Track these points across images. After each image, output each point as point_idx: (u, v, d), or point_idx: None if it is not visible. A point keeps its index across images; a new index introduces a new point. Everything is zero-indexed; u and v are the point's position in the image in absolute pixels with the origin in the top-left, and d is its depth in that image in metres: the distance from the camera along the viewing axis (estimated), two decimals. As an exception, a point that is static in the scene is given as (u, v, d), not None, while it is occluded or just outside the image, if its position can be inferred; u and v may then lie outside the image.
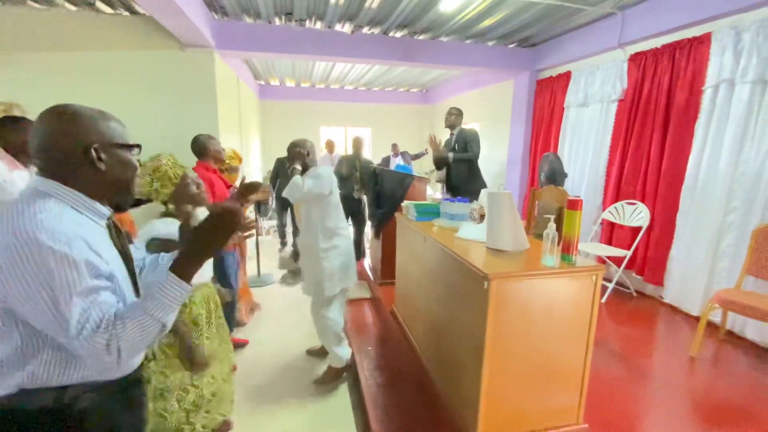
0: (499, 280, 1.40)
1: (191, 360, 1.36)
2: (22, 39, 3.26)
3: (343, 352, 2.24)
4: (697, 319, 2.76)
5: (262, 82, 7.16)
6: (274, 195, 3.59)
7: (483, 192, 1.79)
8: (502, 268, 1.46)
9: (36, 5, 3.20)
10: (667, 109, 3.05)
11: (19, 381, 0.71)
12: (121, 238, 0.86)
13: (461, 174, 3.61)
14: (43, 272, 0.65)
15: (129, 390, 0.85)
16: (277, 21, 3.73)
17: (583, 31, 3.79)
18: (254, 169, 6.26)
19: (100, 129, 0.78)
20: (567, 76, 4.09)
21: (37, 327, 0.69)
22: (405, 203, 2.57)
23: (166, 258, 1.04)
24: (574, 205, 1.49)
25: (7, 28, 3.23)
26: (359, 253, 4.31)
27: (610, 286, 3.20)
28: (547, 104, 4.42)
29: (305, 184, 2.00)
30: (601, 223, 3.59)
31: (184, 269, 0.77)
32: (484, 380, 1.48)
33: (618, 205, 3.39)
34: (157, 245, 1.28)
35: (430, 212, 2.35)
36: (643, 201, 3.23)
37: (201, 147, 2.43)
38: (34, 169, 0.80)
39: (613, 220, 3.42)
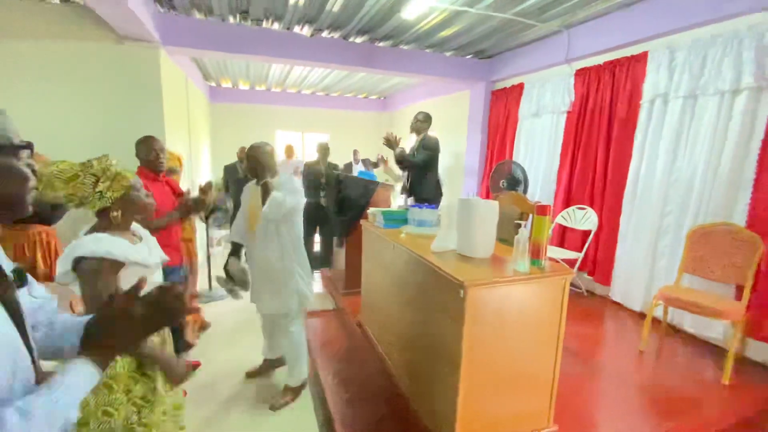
0: (475, 288, 1.37)
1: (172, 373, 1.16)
2: None
3: (302, 373, 2.14)
4: (640, 314, 2.99)
5: (213, 84, 6.76)
6: (231, 204, 3.34)
7: (447, 201, 1.81)
8: (477, 276, 1.44)
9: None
10: (610, 120, 3.31)
11: None
12: (3, 280, 0.62)
13: (414, 178, 3.61)
14: None
15: None
16: (231, 19, 3.52)
17: (534, 46, 4.01)
18: (204, 175, 5.86)
19: None
20: (520, 87, 4.30)
21: None
22: (372, 210, 2.51)
23: (64, 323, 0.81)
24: (543, 210, 1.52)
25: None
26: (329, 262, 4.16)
27: (565, 287, 3.37)
28: (501, 114, 4.62)
29: (286, 201, 1.86)
30: (552, 228, 3.79)
31: (99, 357, 0.63)
32: (461, 390, 1.44)
33: (570, 209, 3.60)
34: (90, 267, 1.08)
35: (398, 219, 2.30)
36: (591, 206, 3.45)
37: (136, 150, 2.16)
38: None
39: (565, 224, 3.62)
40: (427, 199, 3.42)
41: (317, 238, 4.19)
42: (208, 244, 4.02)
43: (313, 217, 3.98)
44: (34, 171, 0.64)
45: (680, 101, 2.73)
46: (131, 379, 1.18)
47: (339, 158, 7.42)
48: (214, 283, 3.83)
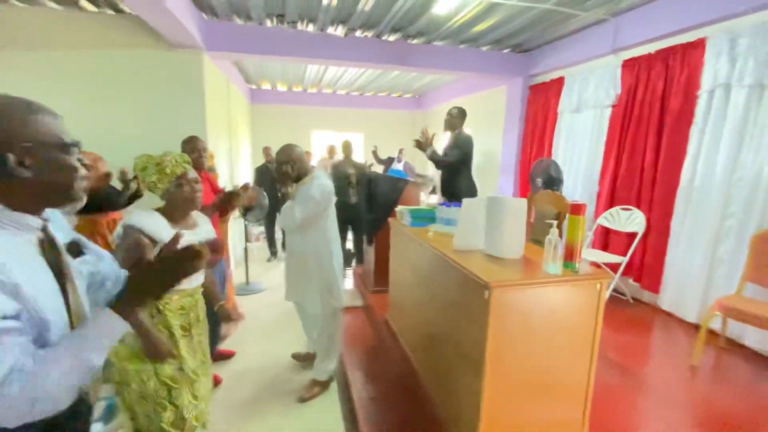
0: (500, 289, 1.32)
1: (155, 348, 1.17)
2: (2, 38, 3.13)
3: (331, 367, 2.17)
4: (695, 326, 2.73)
5: (254, 86, 7.07)
6: (267, 201, 3.47)
7: (465, 201, 1.75)
8: (503, 276, 1.38)
9: (18, 3, 3.08)
10: (662, 114, 3.04)
11: None
12: (55, 251, 0.75)
13: (447, 178, 3.50)
14: None
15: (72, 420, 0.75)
16: (268, 23, 3.65)
17: (577, 37, 3.79)
18: (244, 173, 6.14)
19: (23, 127, 0.65)
20: (560, 81, 4.08)
21: None
22: (399, 208, 2.50)
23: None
24: (578, 209, 1.42)
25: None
26: (360, 259, 4.22)
27: (607, 293, 3.15)
28: (540, 110, 4.41)
29: (296, 214, 1.87)
30: (594, 229, 3.56)
31: (123, 309, 0.70)
32: (484, 395, 1.39)
33: (613, 210, 3.36)
34: (131, 236, 1.24)
35: (426, 217, 2.27)
36: (638, 206, 3.20)
37: (181, 149, 2.31)
38: None
39: (608, 225, 3.39)
40: (460, 199, 3.33)
41: (349, 235, 4.24)
42: (246, 240, 4.21)
43: (343, 216, 4.03)
44: (84, 165, 0.75)
45: (745, 91, 2.45)
46: (160, 406, 1.28)
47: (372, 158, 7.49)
48: (251, 277, 4.01)
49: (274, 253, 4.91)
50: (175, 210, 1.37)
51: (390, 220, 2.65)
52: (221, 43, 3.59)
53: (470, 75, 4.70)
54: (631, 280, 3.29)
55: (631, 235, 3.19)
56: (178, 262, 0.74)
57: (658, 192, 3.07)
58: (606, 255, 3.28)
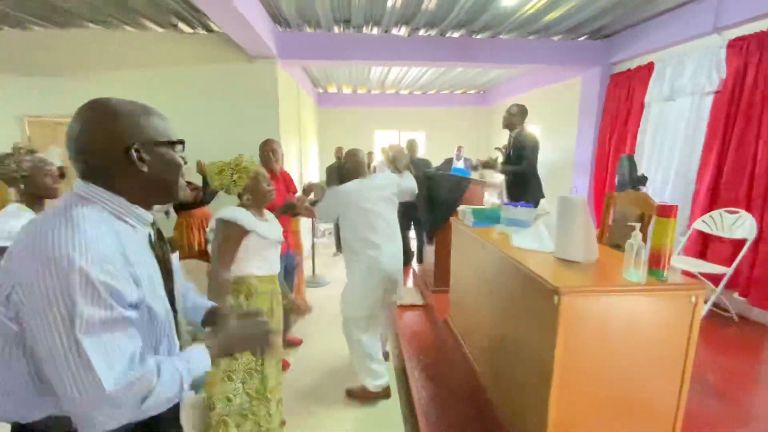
0: (572, 295, 1.23)
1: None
2: (115, 59, 3.71)
3: (372, 380, 2.04)
4: (825, 354, 2.26)
5: (321, 90, 7.43)
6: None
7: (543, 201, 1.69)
8: (575, 282, 1.29)
9: (130, 29, 3.63)
10: (782, 100, 2.57)
11: (47, 412, 0.69)
12: (162, 244, 0.82)
13: (514, 182, 3.28)
14: (63, 300, 0.58)
15: (164, 422, 0.82)
16: (335, 29, 3.82)
17: (669, 17, 3.35)
18: (312, 173, 6.49)
19: (141, 126, 0.71)
20: (649, 67, 3.65)
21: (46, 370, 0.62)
22: (461, 208, 2.45)
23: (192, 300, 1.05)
24: (668, 211, 1.27)
25: (103, 50, 3.69)
26: (420, 258, 4.25)
27: (705, 307, 2.75)
28: (623, 101, 3.99)
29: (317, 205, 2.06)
30: (688, 235, 3.12)
31: (214, 352, 0.80)
32: (551, 406, 1.31)
33: (714, 213, 2.92)
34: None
35: (490, 218, 2.20)
36: (748, 209, 2.74)
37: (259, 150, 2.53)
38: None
39: (708, 231, 2.95)
40: (528, 200, 3.15)
41: (412, 234, 4.28)
42: (314, 235, 4.46)
43: (406, 214, 4.06)
44: (185, 161, 0.81)
45: None
46: (247, 374, 1.43)
47: (435, 155, 7.45)
48: (317, 271, 4.24)
49: (339, 248, 5.15)
50: (251, 205, 1.51)
51: (451, 219, 2.61)
52: (293, 52, 3.85)
53: (539, 68, 4.42)
54: (736, 295, 2.83)
55: (738, 243, 2.74)
56: (256, 331, 0.87)
57: (775, 192, 2.60)
58: (705, 264, 2.86)
